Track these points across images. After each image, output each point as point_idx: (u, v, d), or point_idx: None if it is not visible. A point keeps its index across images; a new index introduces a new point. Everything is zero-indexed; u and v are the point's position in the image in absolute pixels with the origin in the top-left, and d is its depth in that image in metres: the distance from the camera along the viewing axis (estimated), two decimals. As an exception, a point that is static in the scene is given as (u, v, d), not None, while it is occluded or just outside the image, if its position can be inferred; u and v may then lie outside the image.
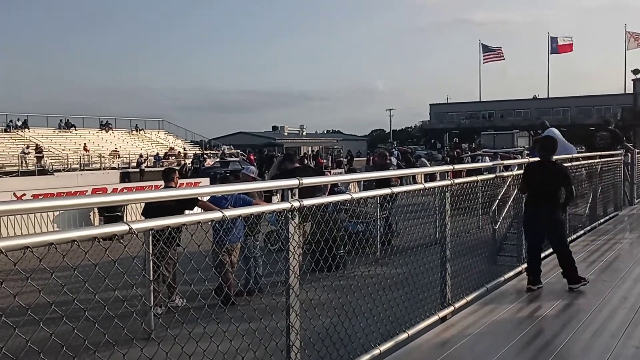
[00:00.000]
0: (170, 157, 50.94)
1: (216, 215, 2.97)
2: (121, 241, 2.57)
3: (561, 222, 6.88)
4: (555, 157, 7.05)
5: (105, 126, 59.18)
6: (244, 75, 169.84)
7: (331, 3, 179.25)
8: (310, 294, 4.03)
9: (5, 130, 50.82)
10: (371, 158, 47.71)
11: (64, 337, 2.52)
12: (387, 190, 4.66)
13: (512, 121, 79.28)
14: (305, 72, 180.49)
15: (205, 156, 50.78)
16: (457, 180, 5.74)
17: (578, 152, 12.36)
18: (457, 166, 6.41)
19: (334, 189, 11.00)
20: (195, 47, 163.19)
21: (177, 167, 39.31)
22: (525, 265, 7.01)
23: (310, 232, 4.79)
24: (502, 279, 6.82)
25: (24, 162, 43.07)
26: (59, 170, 42.97)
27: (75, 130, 56.01)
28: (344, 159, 56.74)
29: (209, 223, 3.10)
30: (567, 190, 6.65)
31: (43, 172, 41.73)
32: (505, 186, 7.82)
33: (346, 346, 4.21)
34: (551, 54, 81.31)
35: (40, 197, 23.73)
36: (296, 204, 3.46)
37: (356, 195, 4.41)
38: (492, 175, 7.12)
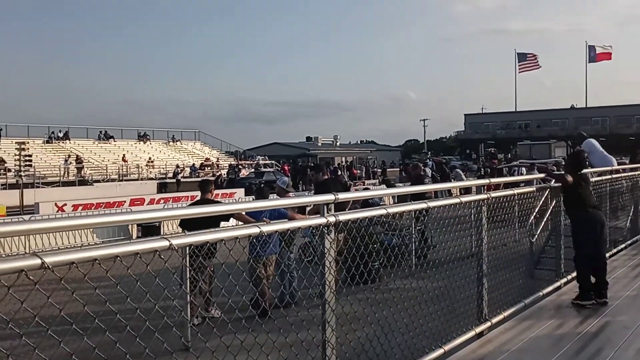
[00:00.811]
0: (205, 168, 51.53)
1: (253, 230, 3.00)
2: (161, 257, 2.62)
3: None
4: (594, 169, 6.95)
5: (143, 137, 60.24)
6: (278, 86, 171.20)
7: (365, 13, 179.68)
8: (346, 308, 4.03)
9: (47, 142, 52.13)
10: (404, 168, 47.50)
11: (105, 348, 2.59)
12: (422, 205, 4.64)
13: (549, 131, 78.12)
14: (339, 83, 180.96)
15: (240, 167, 51.25)
16: (493, 194, 5.68)
17: (618, 164, 12.09)
18: (494, 180, 6.34)
19: (368, 201, 10.99)
20: (230, 58, 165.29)
21: (212, 178, 39.78)
22: (564, 280, 6.89)
23: (346, 245, 4.79)
24: (540, 294, 6.70)
25: (65, 172, 44.08)
26: (98, 181, 43.92)
27: (114, 141, 57.15)
28: (378, 170, 56.61)
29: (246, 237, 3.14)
30: None
31: (83, 182, 42.71)
32: (543, 198, 7.70)
33: (382, 361, 4.19)
34: (589, 62, 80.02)
35: (80, 207, 24.27)
36: (332, 219, 3.48)
37: (392, 210, 4.40)
38: (530, 189, 7.02)
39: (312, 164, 46.25)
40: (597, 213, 6.69)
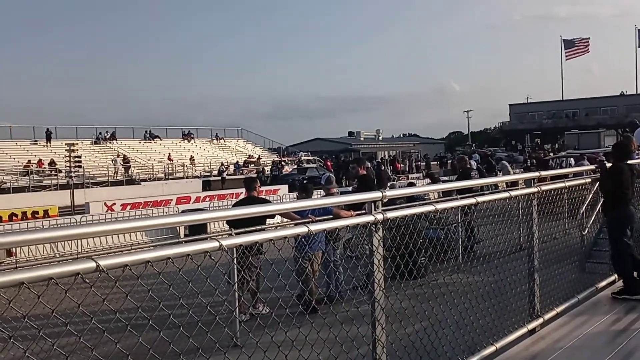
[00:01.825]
0: (249, 165, 52.03)
1: (302, 230, 3.00)
2: (212, 257, 2.65)
3: None
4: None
5: (187, 136, 61.20)
6: (319, 81, 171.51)
7: (403, 4, 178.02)
8: (395, 305, 4.00)
9: (95, 143, 53.50)
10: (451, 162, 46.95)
11: (158, 344, 2.64)
12: (471, 200, 4.56)
13: (597, 120, 75.95)
14: (380, 76, 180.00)
15: (282, 163, 51.55)
16: (543, 187, 5.55)
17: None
18: (544, 173, 6.19)
19: (412, 195, 10.89)
20: (270, 55, 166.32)
21: (254, 175, 40.13)
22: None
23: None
24: (594, 288, 6.53)
25: (113, 172, 45.18)
26: (145, 180, 44.84)
27: (160, 140, 58.22)
28: (422, 163, 56.11)
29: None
30: None
31: (130, 181, 43.68)
32: (594, 190, 7.49)
33: (432, 358, 4.15)
34: (639, 47, 77.42)
35: (128, 206, 24.82)
36: (380, 216, 3.45)
37: (440, 206, 4.34)
38: (580, 181, 6.84)
39: (351, 159, 46.32)
40: (633, 209, 6.56)
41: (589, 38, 79.62)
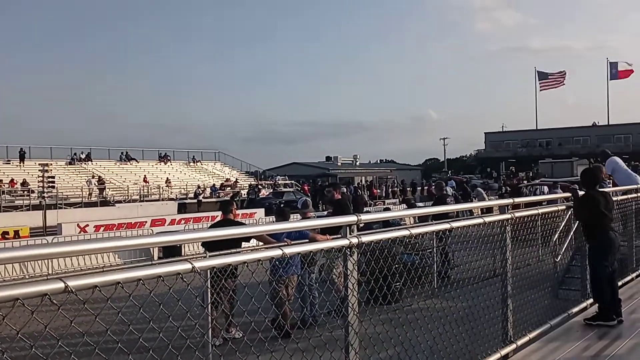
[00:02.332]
0: (226, 188, 51.81)
1: (276, 252, 2.99)
2: (184, 279, 2.62)
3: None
4: (620, 187, 6.84)
5: (163, 158, 60.84)
6: (297, 106, 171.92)
7: (382, 33, 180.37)
8: (369, 329, 3.98)
9: (70, 163, 52.86)
10: (426, 188, 47.27)
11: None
12: (445, 225, 4.59)
13: (570, 149, 77.38)
14: (358, 103, 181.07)
15: (260, 187, 51.43)
16: (517, 214, 5.61)
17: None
18: (517, 199, 6.27)
19: (388, 220, 10.93)
20: (251, 80, 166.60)
21: (228, 198, 39.91)
22: (591, 300, 6.77)
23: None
24: (566, 314, 6.58)
25: (88, 193, 44.60)
26: (120, 201, 44.35)
27: (136, 162, 57.75)
28: (397, 189, 56.42)
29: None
30: None
31: (105, 203, 43.15)
32: (567, 217, 7.59)
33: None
34: (610, 79, 79.34)
35: (102, 228, 24.48)
36: (355, 240, 3.45)
37: (415, 231, 4.36)
38: (553, 208, 6.93)
39: (327, 183, 46.38)
40: (614, 234, 6.66)
41: (564, 71, 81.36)
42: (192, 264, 2.55)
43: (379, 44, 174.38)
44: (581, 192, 6.83)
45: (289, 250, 3.10)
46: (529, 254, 6.26)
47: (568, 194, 7.21)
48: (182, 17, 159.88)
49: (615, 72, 78.45)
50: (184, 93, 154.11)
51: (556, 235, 7.53)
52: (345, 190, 16.52)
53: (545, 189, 21.54)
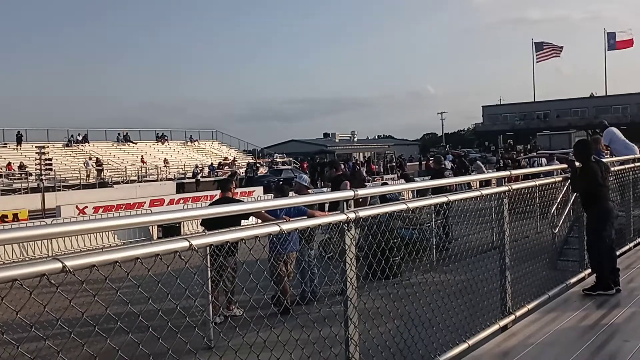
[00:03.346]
0: (224, 167, 51.77)
1: (273, 228, 2.99)
2: (182, 257, 2.62)
3: None
4: (618, 157, 6.84)
5: (161, 138, 60.66)
6: (294, 83, 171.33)
7: (379, 8, 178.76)
8: (368, 304, 4.01)
9: (67, 145, 52.71)
10: (424, 163, 47.28)
11: (128, 348, 2.60)
12: (443, 199, 4.59)
13: (568, 121, 77.19)
14: (355, 78, 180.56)
15: (258, 165, 51.39)
16: (514, 186, 5.61)
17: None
18: (515, 172, 6.27)
19: (386, 195, 10.94)
20: (245, 58, 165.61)
21: (227, 175, 39.89)
22: (589, 271, 6.81)
23: (360, 235, 4.75)
24: (564, 285, 6.62)
25: (85, 175, 44.56)
26: (118, 183, 44.35)
27: (133, 143, 57.59)
28: (395, 165, 56.40)
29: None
30: None
31: (103, 184, 43.15)
32: (564, 189, 7.60)
33: (405, 357, 4.16)
34: (608, 50, 78.83)
35: (100, 209, 24.50)
36: (352, 215, 3.45)
37: (412, 205, 4.36)
38: (551, 180, 6.93)
39: (326, 161, 46.30)
40: (612, 204, 6.69)
41: (562, 47, 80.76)
42: (189, 241, 2.55)
43: (375, 19, 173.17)
44: (578, 164, 6.83)
45: (286, 227, 3.10)
46: (527, 225, 6.28)
47: (565, 166, 7.21)
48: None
49: (613, 43, 77.84)
50: (179, 73, 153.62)
51: (554, 207, 7.55)
52: (343, 166, 16.50)
53: (544, 161, 21.52)
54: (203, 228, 7.93)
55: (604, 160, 7.61)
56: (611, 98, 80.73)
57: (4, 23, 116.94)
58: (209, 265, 6.42)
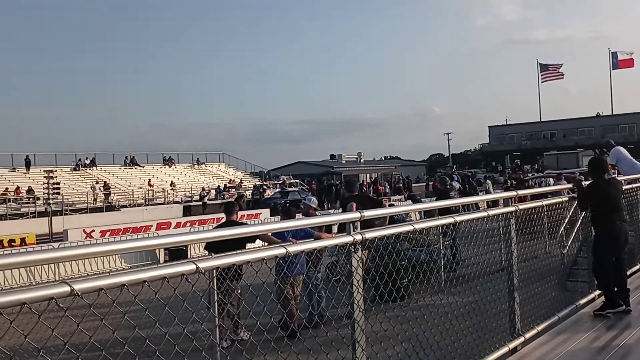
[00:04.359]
0: (230, 189, 51.83)
1: (279, 251, 2.99)
2: (189, 280, 2.62)
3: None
4: (625, 177, 6.82)
5: (168, 161, 60.90)
6: (300, 105, 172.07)
7: (384, 29, 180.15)
8: (376, 327, 3.98)
9: (75, 169, 52.96)
10: (431, 184, 47.22)
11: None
12: (449, 220, 4.58)
13: (575, 140, 77.13)
14: (361, 100, 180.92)
15: (264, 187, 51.43)
16: (521, 206, 5.60)
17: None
18: (521, 192, 6.26)
19: (393, 217, 10.91)
20: (253, 79, 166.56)
21: (232, 200, 39.93)
22: (598, 292, 6.76)
23: (368, 258, 4.73)
24: (574, 306, 6.56)
25: (93, 198, 44.69)
26: (125, 206, 44.42)
27: (140, 166, 57.83)
28: (402, 185, 56.33)
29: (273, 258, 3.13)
30: None
31: (110, 208, 43.24)
32: (572, 209, 7.57)
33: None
34: (612, 69, 79.01)
35: (107, 233, 24.53)
36: (358, 237, 3.45)
37: (418, 226, 4.35)
38: (559, 200, 6.91)
39: (332, 182, 46.22)
40: (621, 223, 6.61)
41: (561, 64, 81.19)
42: (196, 264, 2.55)
43: (380, 40, 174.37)
44: (587, 182, 6.81)
45: (293, 249, 3.10)
46: (535, 246, 6.24)
47: (571, 185, 7.19)
48: (182, 20, 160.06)
49: (617, 62, 78.10)
50: (185, 95, 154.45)
51: (562, 227, 7.52)
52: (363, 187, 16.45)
53: (551, 181, 21.47)
54: (208, 252, 7.93)
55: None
56: (618, 117, 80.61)
57: (11, 48, 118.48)
58: (215, 288, 6.40)
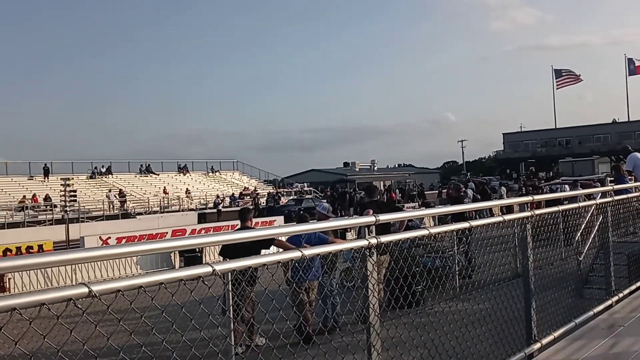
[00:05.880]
0: (245, 197, 52.01)
1: (295, 254, 3.00)
2: (205, 283, 2.64)
3: None
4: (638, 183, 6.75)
5: (182, 169, 61.28)
6: (313, 113, 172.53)
7: (398, 36, 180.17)
8: (391, 332, 3.97)
9: (91, 177, 53.47)
10: (445, 191, 47.09)
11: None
12: (465, 224, 4.57)
13: (591, 147, 76.57)
14: (375, 107, 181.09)
15: (279, 194, 51.57)
16: (537, 212, 5.56)
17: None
18: (537, 197, 6.22)
19: (408, 223, 10.90)
20: (267, 88, 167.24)
21: (251, 207, 40.09)
22: (616, 298, 6.68)
23: (388, 267, 4.73)
24: (591, 313, 6.49)
25: (109, 206, 45.07)
26: (140, 213, 44.73)
27: (155, 174, 58.23)
28: (415, 193, 56.19)
29: (289, 262, 3.15)
30: None
31: (126, 215, 43.58)
32: (589, 215, 7.51)
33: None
34: (629, 75, 78.36)
35: (123, 240, 24.70)
36: (373, 240, 3.45)
37: (434, 230, 4.34)
38: (575, 205, 6.86)
39: (346, 190, 46.10)
40: None
41: (579, 74, 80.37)
42: (212, 267, 2.57)
43: (393, 47, 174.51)
44: None
45: (309, 252, 3.11)
46: (551, 251, 6.20)
47: (589, 191, 7.15)
48: (198, 29, 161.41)
49: (634, 68, 77.44)
50: (198, 104, 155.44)
51: (579, 233, 7.46)
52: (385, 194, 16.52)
53: (567, 187, 21.34)
54: (222, 258, 7.97)
55: (624, 185, 7.53)
56: (634, 123, 79.88)
57: (30, 60, 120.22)
58: (231, 291, 6.43)
